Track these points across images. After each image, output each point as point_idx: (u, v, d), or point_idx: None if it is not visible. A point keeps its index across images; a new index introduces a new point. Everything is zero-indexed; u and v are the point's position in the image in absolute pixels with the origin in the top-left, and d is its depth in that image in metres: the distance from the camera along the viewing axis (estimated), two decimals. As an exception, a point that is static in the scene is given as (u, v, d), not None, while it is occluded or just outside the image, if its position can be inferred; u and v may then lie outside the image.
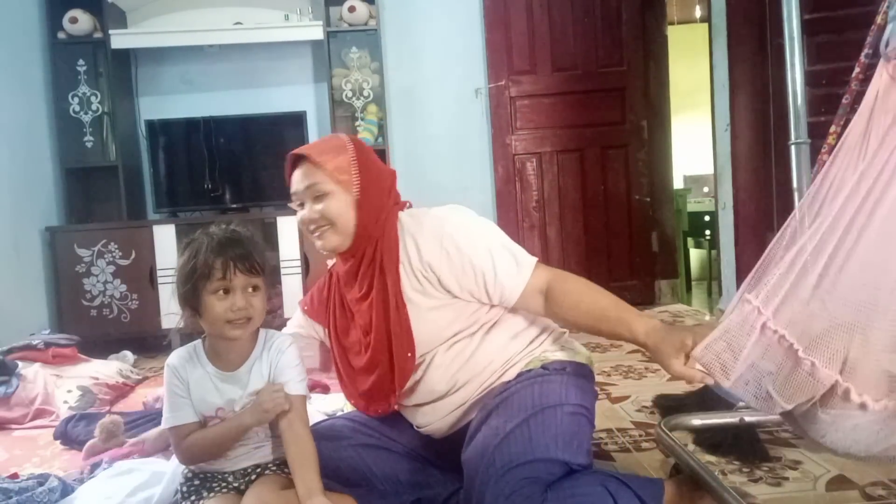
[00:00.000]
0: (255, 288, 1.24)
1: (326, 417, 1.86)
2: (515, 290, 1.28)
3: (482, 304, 1.32)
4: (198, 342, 1.30)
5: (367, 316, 1.33)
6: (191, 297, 1.22)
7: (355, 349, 1.38)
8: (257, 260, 1.24)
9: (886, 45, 1.24)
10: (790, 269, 1.02)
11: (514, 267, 1.28)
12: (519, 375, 1.31)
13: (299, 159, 1.34)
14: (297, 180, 1.34)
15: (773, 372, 1.01)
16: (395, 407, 1.38)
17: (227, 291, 1.21)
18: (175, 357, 1.28)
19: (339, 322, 1.41)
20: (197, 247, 1.23)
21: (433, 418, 1.35)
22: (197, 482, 1.28)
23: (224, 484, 1.27)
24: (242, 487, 1.26)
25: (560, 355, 1.34)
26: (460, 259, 1.28)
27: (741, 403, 1.75)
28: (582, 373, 1.34)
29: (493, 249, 1.29)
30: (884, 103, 1.18)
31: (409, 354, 1.29)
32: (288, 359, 1.29)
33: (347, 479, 1.35)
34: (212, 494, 1.25)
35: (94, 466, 1.70)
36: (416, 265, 1.30)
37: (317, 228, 1.32)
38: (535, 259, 1.31)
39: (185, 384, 1.25)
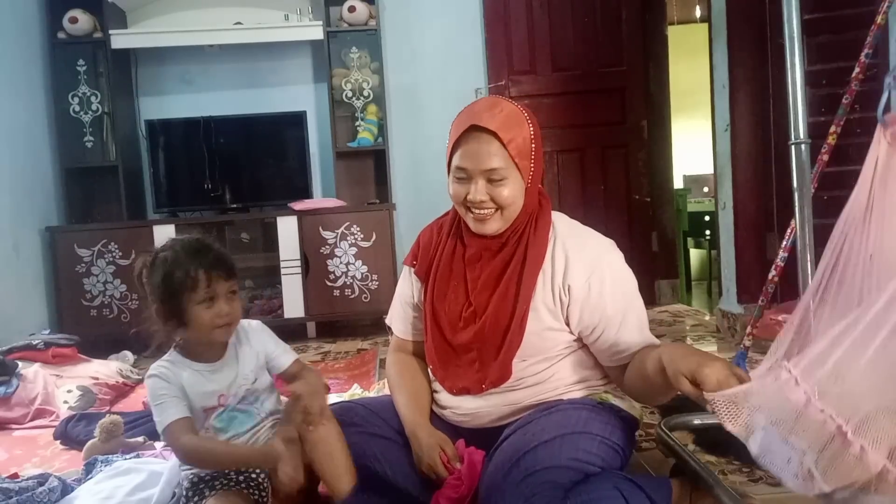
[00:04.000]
0: (233, 292, 1.28)
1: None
2: (624, 359, 1.29)
3: (576, 338, 1.34)
4: (170, 352, 1.32)
5: (485, 302, 1.31)
6: (176, 310, 1.24)
7: (451, 318, 1.35)
8: (232, 264, 1.28)
9: (883, 112, 1.22)
10: (835, 344, 0.97)
11: (639, 337, 1.29)
12: (573, 400, 1.32)
13: (479, 129, 1.23)
14: (475, 157, 1.24)
15: (816, 452, 0.96)
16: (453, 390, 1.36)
17: (212, 300, 1.24)
18: (156, 368, 1.29)
19: (439, 283, 1.38)
20: (171, 261, 1.24)
21: (479, 406, 1.34)
22: (202, 486, 1.28)
23: (225, 481, 1.27)
24: (243, 482, 1.27)
25: (618, 402, 1.35)
26: (597, 301, 1.27)
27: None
28: (630, 421, 1.35)
29: (627, 312, 1.29)
30: (885, 172, 1.17)
31: (511, 362, 1.29)
32: (266, 337, 1.37)
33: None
34: (213, 493, 1.26)
35: (90, 466, 1.69)
36: (558, 282, 1.28)
37: (482, 210, 1.27)
38: (656, 341, 1.31)
39: (175, 385, 1.27)
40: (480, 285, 1.33)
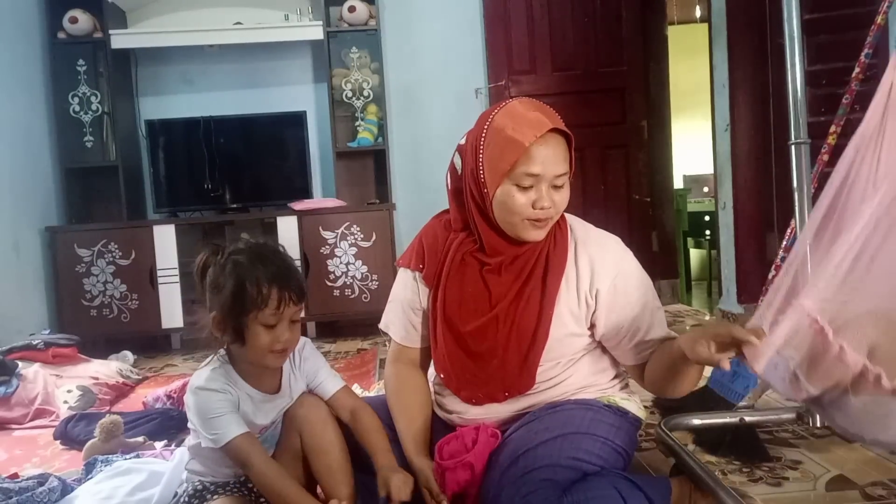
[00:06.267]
0: (295, 320, 1.22)
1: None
2: (648, 356, 1.29)
3: (594, 339, 1.32)
4: (225, 365, 1.26)
5: (507, 309, 1.28)
6: (236, 325, 1.17)
7: (470, 327, 1.30)
8: (303, 287, 1.23)
9: None
10: (831, 258, 1.01)
11: (661, 332, 1.29)
12: (580, 400, 1.31)
13: (553, 132, 1.18)
14: (550, 162, 1.18)
15: (803, 355, 1.00)
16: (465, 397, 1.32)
17: (275, 323, 1.18)
18: (212, 383, 1.22)
19: (450, 289, 1.32)
20: (245, 269, 1.17)
21: (488, 412, 1.32)
22: (204, 491, 1.28)
23: (228, 487, 1.27)
24: (246, 489, 1.27)
25: (626, 404, 1.34)
26: (624, 301, 1.27)
27: (742, 403, 1.76)
28: (635, 424, 1.34)
29: (651, 309, 1.29)
30: None
31: (536, 369, 1.27)
32: (314, 361, 1.34)
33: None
34: (216, 497, 1.26)
35: (90, 466, 1.69)
36: (584, 287, 1.26)
37: (545, 217, 1.22)
38: (674, 333, 1.30)
39: (234, 401, 1.22)
40: (502, 291, 1.29)
